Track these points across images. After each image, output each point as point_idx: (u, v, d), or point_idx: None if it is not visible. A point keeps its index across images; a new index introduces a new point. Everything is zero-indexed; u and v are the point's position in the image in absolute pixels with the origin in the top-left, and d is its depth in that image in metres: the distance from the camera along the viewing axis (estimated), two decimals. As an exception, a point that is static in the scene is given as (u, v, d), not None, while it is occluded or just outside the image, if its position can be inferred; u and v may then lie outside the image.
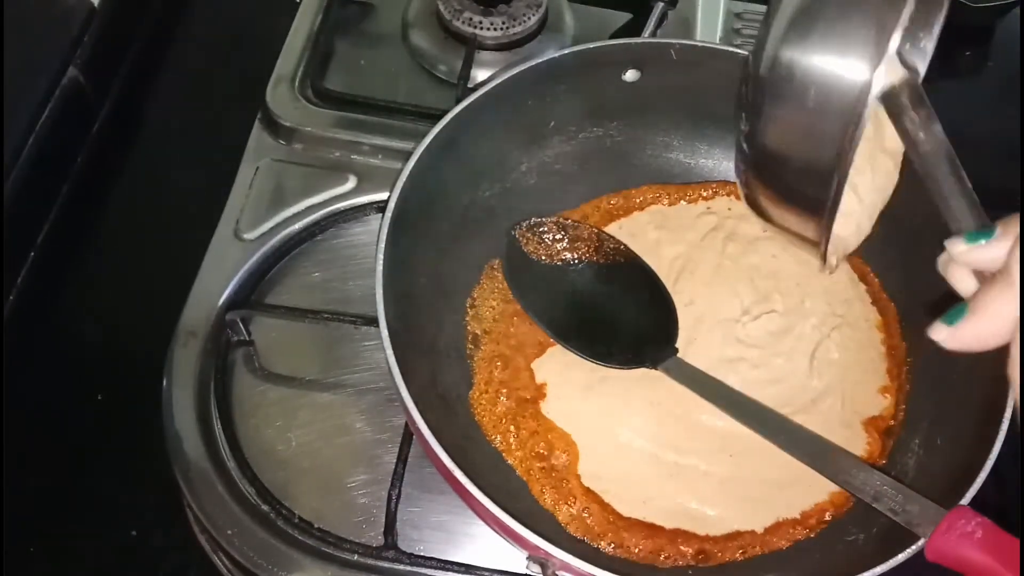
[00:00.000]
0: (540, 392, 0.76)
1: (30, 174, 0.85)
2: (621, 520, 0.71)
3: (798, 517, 0.71)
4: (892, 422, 0.76)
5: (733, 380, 0.75)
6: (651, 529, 0.71)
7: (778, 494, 0.72)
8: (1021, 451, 0.68)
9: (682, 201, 0.87)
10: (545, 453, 0.74)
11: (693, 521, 0.71)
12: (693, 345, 0.78)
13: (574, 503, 0.71)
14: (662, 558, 0.70)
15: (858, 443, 0.75)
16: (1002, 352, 0.47)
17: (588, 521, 0.71)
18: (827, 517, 0.71)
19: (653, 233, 0.85)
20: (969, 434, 0.67)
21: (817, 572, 0.69)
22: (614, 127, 0.87)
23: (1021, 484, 0.75)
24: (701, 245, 0.84)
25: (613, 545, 0.70)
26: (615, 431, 0.74)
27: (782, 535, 0.71)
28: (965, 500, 0.61)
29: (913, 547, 0.60)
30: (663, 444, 0.74)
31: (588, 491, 0.72)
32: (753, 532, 0.71)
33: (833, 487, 0.71)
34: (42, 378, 0.82)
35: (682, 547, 0.70)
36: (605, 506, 0.72)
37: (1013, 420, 0.64)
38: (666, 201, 0.87)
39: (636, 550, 0.70)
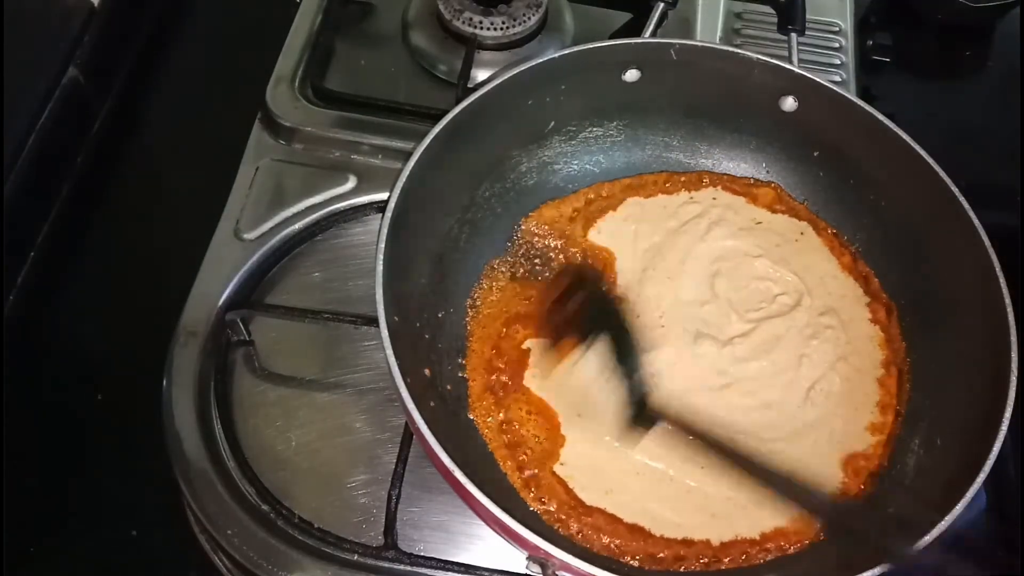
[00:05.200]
0: (523, 361, 0.77)
1: (30, 174, 0.85)
2: (583, 507, 0.71)
3: (756, 538, 0.71)
4: (873, 462, 0.75)
5: (722, 405, 0.75)
6: (612, 520, 0.71)
7: (740, 512, 0.72)
8: (1021, 451, 0.68)
9: (660, 193, 0.87)
10: (519, 429, 0.74)
11: (652, 520, 0.71)
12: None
13: (540, 487, 0.72)
14: (615, 548, 0.70)
15: (833, 480, 0.73)
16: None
17: (551, 506, 0.71)
18: (788, 548, 0.71)
19: (631, 226, 0.85)
20: (969, 434, 0.67)
21: (816, 572, 0.69)
22: (614, 127, 0.88)
23: (1021, 484, 0.75)
24: (680, 231, 0.84)
25: (577, 531, 0.70)
26: (587, 423, 0.74)
27: (737, 553, 0.70)
28: (965, 500, 0.61)
29: (914, 547, 0.60)
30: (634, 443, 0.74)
31: (554, 474, 0.72)
32: (707, 543, 0.71)
33: (795, 514, 0.71)
34: (42, 378, 0.82)
35: (638, 542, 0.70)
36: (569, 491, 0.72)
37: (1013, 420, 0.65)
38: (642, 194, 0.87)
39: (599, 540, 0.70)
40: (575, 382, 0.75)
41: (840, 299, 0.82)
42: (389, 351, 0.64)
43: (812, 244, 0.85)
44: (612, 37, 0.94)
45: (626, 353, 0.72)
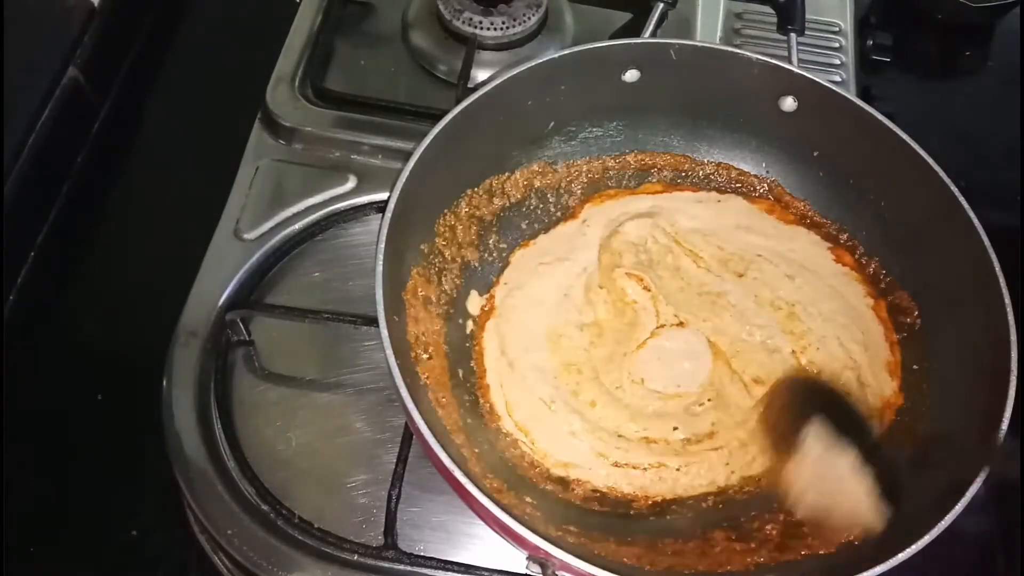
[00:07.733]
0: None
1: (30, 174, 0.85)
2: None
3: None
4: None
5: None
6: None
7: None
8: (1021, 451, 0.68)
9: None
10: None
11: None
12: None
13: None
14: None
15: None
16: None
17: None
18: None
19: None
20: (969, 435, 0.67)
21: (817, 572, 0.69)
22: (614, 127, 0.88)
23: (1021, 484, 0.75)
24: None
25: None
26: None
27: None
28: (965, 500, 0.61)
29: (913, 547, 0.60)
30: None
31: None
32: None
33: None
34: (42, 378, 0.82)
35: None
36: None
37: (1013, 420, 0.65)
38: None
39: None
40: None
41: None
42: (389, 351, 0.64)
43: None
44: (612, 37, 0.94)
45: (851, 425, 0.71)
